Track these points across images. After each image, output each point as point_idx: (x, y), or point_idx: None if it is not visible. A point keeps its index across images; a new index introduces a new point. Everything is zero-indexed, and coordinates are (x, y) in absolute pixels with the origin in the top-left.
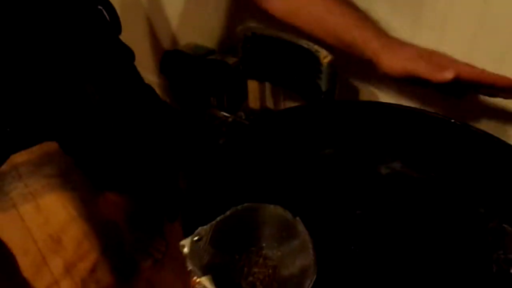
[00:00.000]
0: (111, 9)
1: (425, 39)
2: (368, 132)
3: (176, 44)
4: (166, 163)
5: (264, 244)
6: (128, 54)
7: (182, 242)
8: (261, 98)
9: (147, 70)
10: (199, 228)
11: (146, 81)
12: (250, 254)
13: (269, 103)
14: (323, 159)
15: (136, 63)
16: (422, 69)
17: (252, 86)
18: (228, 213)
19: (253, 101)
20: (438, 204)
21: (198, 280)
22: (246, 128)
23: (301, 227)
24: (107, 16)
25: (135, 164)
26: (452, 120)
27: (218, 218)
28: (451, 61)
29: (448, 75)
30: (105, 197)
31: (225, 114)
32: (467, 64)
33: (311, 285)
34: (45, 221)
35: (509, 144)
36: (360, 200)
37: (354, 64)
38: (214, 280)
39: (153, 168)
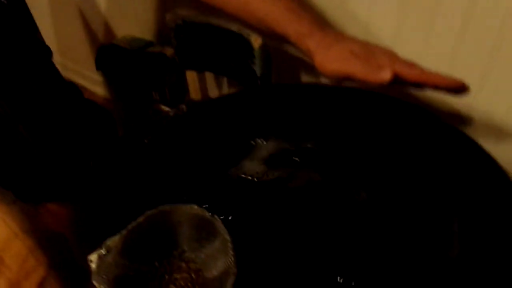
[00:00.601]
0: (23, 6)
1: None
2: (307, 116)
3: (113, 38)
4: (95, 165)
5: (185, 247)
6: (44, 52)
7: (90, 257)
8: (202, 88)
9: (87, 68)
10: (108, 240)
11: (86, 79)
12: (172, 259)
13: (213, 93)
14: (253, 148)
15: (75, 60)
16: (357, 70)
17: (191, 76)
18: (140, 219)
19: (194, 92)
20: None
21: None
22: (173, 123)
23: (219, 225)
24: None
25: (59, 169)
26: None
27: (129, 226)
28: (391, 59)
29: (385, 76)
30: (47, 207)
31: (166, 108)
32: (408, 63)
33: (231, 286)
34: None
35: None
36: (294, 192)
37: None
38: None
39: (81, 172)
